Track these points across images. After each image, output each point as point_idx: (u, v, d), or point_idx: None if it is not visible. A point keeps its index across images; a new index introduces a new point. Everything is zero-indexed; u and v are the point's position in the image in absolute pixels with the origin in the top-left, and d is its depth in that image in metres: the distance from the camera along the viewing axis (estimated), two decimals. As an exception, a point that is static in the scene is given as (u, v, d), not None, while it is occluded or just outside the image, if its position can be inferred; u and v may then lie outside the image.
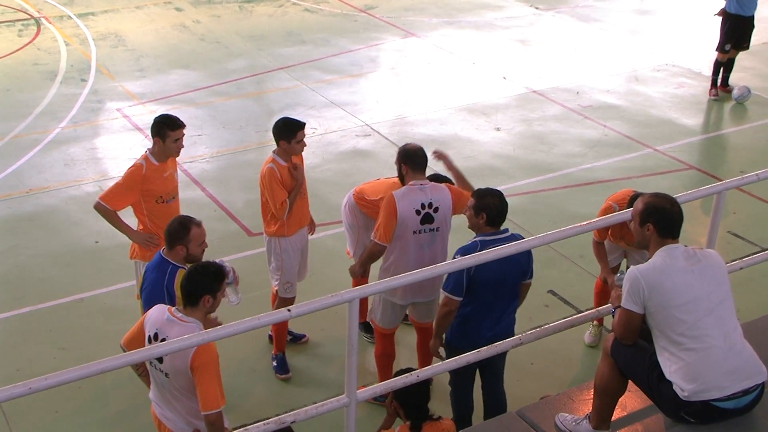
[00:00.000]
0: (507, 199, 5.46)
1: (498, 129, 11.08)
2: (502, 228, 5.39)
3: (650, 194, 4.48)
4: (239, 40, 14.08)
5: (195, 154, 10.16)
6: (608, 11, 15.95)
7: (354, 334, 4.32)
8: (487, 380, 5.82)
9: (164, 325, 4.50)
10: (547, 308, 7.40)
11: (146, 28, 14.60)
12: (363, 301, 6.35)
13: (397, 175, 6.15)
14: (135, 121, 11.07)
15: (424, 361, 6.30)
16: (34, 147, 10.37)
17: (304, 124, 6.33)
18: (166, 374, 4.49)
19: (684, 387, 4.15)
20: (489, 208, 5.33)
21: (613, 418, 4.57)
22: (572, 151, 10.48)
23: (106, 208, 6.12)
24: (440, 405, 5.65)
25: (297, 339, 7.07)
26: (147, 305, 5.04)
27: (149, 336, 4.56)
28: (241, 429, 4.37)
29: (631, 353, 4.38)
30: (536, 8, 16.00)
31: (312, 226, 6.82)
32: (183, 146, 6.22)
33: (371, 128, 11.00)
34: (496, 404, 5.78)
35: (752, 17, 11.71)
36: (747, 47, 11.94)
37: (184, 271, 4.84)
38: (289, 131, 6.25)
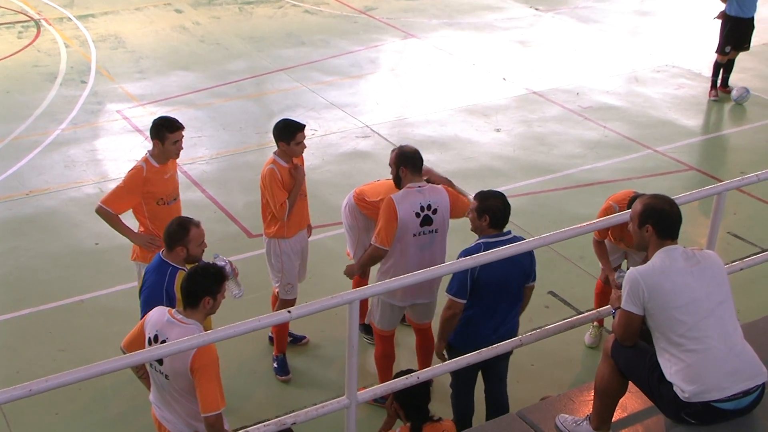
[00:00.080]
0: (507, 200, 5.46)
1: (498, 130, 11.08)
2: (505, 230, 5.39)
3: (649, 195, 4.48)
4: (239, 41, 14.08)
5: (195, 156, 10.16)
6: (608, 12, 15.95)
7: (354, 336, 4.31)
8: (490, 383, 5.81)
9: (164, 326, 4.50)
10: (547, 309, 7.40)
11: (146, 29, 14.60)
12: (363, 303, 6.36)
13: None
14: (135, 122, 11.07)
15: (424, 362, 6.31)
16: (34, 149, 10.37)
17: (304, 126, 6.32)
18: (166, 376, 4.49)
19: (684, 388, 4.15)
20: (492, 210, 5.33)
21: (613, 419, 4.57)
22: (572, 152, 10.48)
23: (108, 211, 6.10)
24: (440, 406, 5.65)
25: (297, 340, 7.07)
26: (144, 307, 5.05)
27: (149, 338, 4.56)
28: (242, 431, 4.37)
29: (632, 354, 4.38)
30: (536, 9, 16.01)
31: (309, 229, 6.81)
32: (182, 148, 6.22)
33: (371, 129, 11.00)
34: (498, 407, 5.76)
35: (752, 18, 11.72)
36: (747, 48, 11.95)
37: (184, 273, 4.85)
38: (288, 133, 6.25)
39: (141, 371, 4.87)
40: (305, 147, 6.36)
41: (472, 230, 5.47)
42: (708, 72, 12.33)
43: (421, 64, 13.31)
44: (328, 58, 13.38)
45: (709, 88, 12.14)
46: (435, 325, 6.26)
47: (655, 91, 12.32)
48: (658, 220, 4.31)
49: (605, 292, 6.74)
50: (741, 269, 5.56)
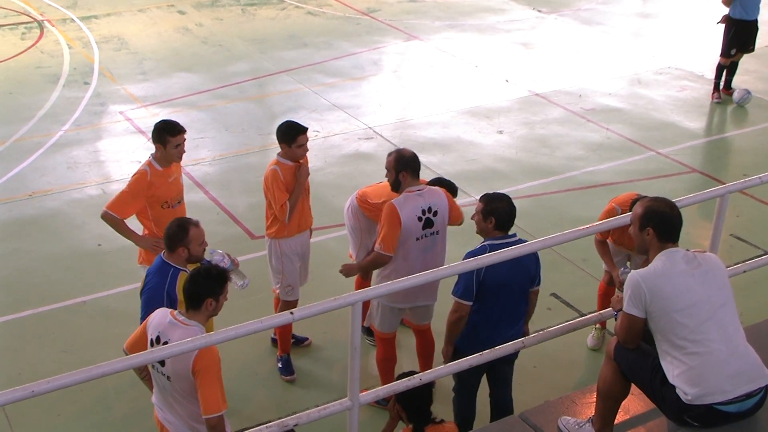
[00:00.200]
0: (510, 202, 5.46)
1: (500, 132, 11.08)
2: (510, 233, 5.38)
3: (649, 198, 4.48)
4: (242, 43, 14.09)
5: (197, 157, 10.16)
6: (611, 14, 15.94)
7: (357, 338, 4.31)
8: (495, 387, 5.79)
9: (166, 328, 4.50)
10: (549, 311, 7.39)
11: (149, 31, 14.62)
12: (365, 305, 6.35)
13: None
14: (138, 124, 11.08)
15: (425, 364, 6.30)
16: (37, 150, 10.38)
17: (306, 129, 6.32)
18: (168, 378, 4.49)
19: (687, 391, 4.14)
20: (497, 213, 5.32)
21: (616, 422, 4.57)
22: (575, 154, 10.47)
23: (114, 216, 6.06)
24: (442, 408, 5.64)
25: (299, 342, 7.06)
26: (145, 309, 5.05)
27: (151, 339, 4.56)
28: (243, 432, 4.37)
29: (634, 357, 4.38)
30: (539, 11, 16.00)
31: (310, 232, 6.79)
32: (185, 151, 6.19)
33: (374, 131, 11.00)
34: (503, 411, 5.73)
35: (756, 20, 11.72)
36: (752, 50, 11.94)
37: (186, 275, 4.85)
38: (290, 135, 6.25)
39: (143, 373, 4.87)
40: (307, 150, 6.35)
41: (477, 232, 5.46)
42: (710, 74, 12.33)
43: (424, 66, 13.31)
44: (330, 60, 13.38)
45: (711, 91, 12.13)
46: (435, 326, 6.27)
47: (657, 94, 12.31)
48: (659, 223, 4.30)
49: (608, 294, 6.74)
50: (744, 271, 5.55)
